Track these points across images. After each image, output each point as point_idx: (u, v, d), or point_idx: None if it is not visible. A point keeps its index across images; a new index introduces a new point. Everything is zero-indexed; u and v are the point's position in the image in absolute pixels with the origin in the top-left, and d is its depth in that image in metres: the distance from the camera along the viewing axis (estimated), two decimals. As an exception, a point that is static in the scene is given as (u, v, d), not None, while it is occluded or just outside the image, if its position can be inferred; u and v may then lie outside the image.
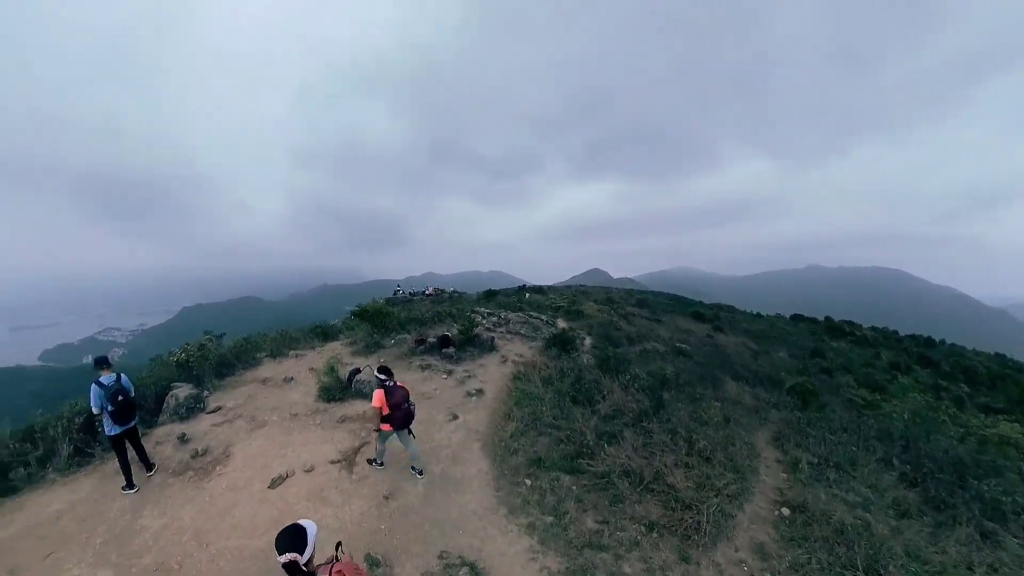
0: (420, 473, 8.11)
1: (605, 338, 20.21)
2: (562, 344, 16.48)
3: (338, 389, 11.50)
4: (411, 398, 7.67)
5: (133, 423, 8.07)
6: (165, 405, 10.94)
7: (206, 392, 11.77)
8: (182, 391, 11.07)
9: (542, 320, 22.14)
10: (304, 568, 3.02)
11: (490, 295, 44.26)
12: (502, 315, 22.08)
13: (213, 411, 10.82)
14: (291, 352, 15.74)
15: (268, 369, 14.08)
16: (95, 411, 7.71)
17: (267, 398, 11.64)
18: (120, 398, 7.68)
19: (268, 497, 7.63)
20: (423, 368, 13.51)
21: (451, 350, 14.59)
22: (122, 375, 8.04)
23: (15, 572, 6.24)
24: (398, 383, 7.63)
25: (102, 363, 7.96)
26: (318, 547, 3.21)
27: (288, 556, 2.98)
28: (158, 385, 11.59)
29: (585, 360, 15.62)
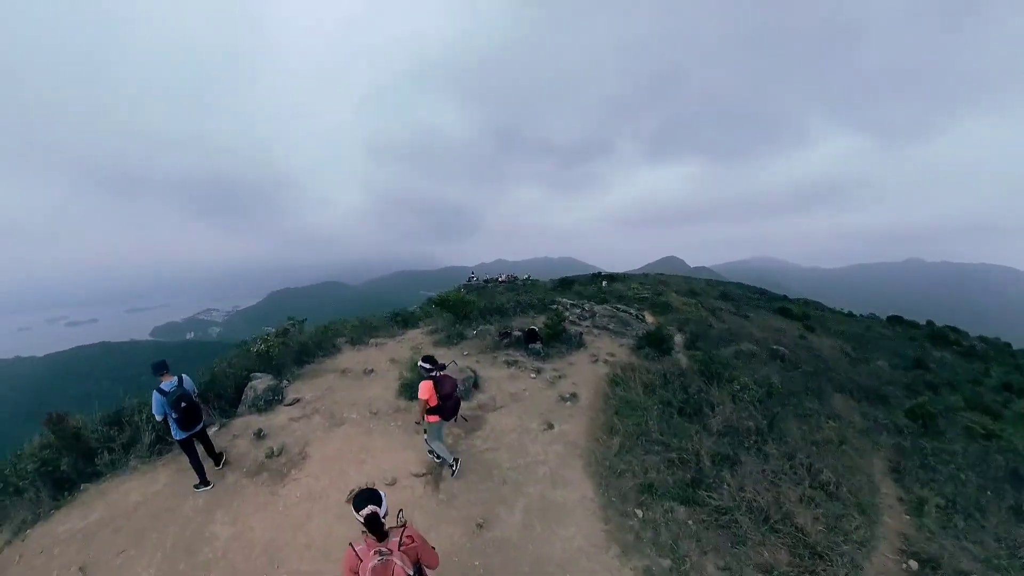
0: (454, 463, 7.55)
1: (699, 337, 18.15)
2: (657, 343, 14.76)
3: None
4: (459, 388, 7.37)
5: (200, 427, 7.44)
6: (244, 396, 10.42)
7: (285, 382, 11.17)
8: (260, 382, 10.49)
9: (630, 314, 20.36)
10: (381, 525, 3.20)
11: (566, 283, 42.73)
12: (586, 306, 20.53)
13: (291, 403, 10.16)
14: (371, 340, 15.05)
15: (348, 358, 13.41)
16: (158, 418, 7.14)
17: (346, 391, 10.86)
18: (183, 404, 7.02)
19: (345, 512, 6.67)
20: (509, 364, 12.29)
21: (538, 345, 13.29)
22: (184, 377, 7.38)
23: (87, 568, 5.87)
24: (445, 374, 7.14)
25: (161, 369, 7.26)
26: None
27: (369, 508, 3.19)
28: (239, 376, 11.14)
29: (684, 362, 13.85)
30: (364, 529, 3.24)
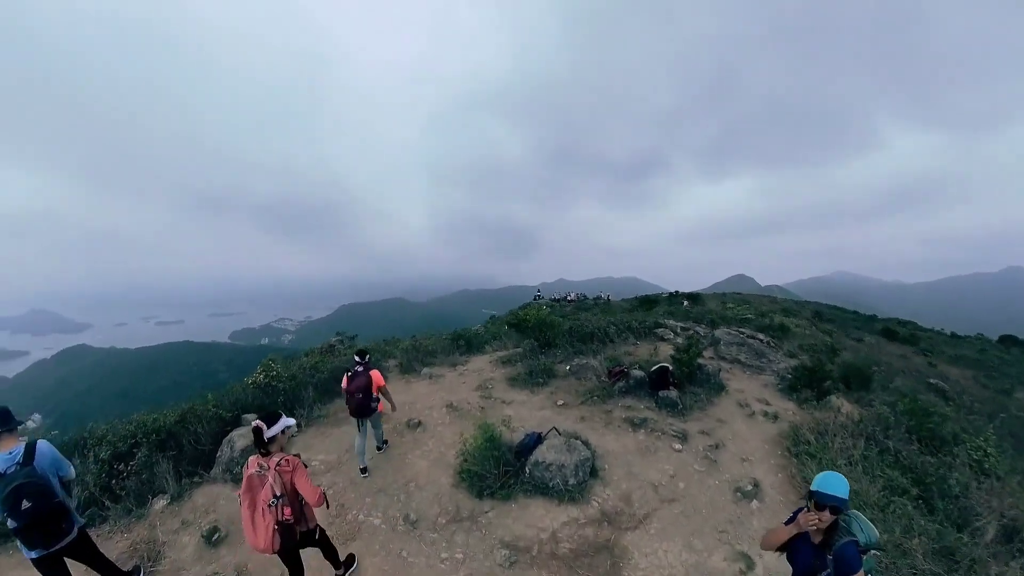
0: (378, 448, 7.01)
1: (852, 371, 12.86)
2: (814, 382, 10.07)
3: (498, 472, 6.02)
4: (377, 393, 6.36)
5: (67, 541, 3.79)
6: (219, 454, 6.62)
7: (294, 429, 7.30)
8: (241, 440, 6.61)
9: (760, 340, 15.36)
10: (265, 440, 3.51)
11: (647, 304, 37.59)
12: (701, 331, 15.74)
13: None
14: (425, 370, 11.06)
15: (393, 393, 9.52)
16: None
17: (377, 462, 6.78)
18: (26, 505, 3.41)
19: None
20: (635, 425, 7.77)
21: (672, 393, 8.72)
22: (39, 445, 3.70)
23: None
24: (370, 371, 6.39)
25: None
26: None
27: (256, 422, 3.54)
28: (224, 418, 7.44)
29: (855, 413, 9.05)
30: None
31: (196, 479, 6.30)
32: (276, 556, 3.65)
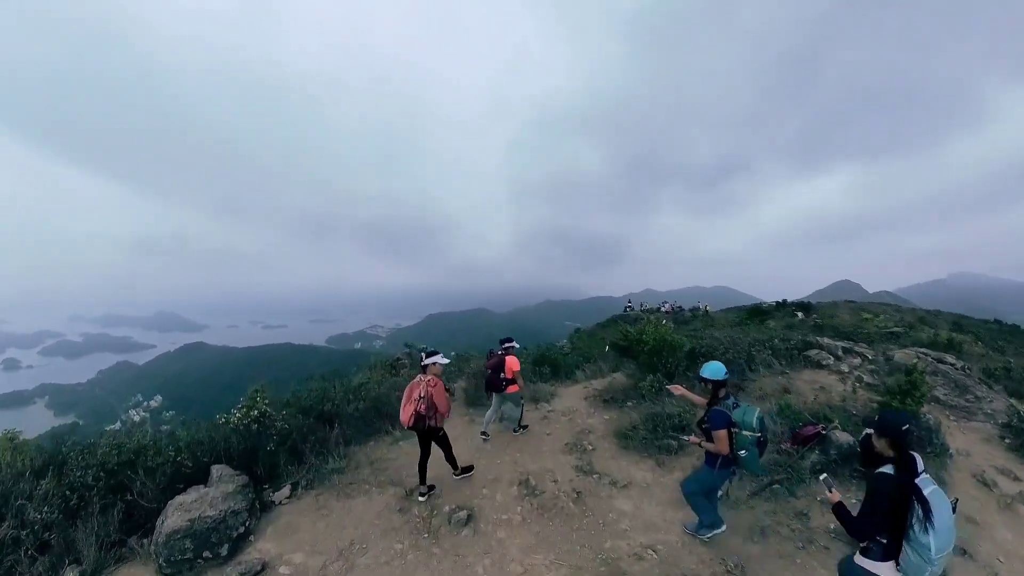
0: (515, 431, 7.40)
1: None
2: None
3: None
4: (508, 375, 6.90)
5: None
6: (156, 528, 4.05)
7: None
8: (177, 516, 3.95)
9: (953, 366, 10.95)
10: (422, 365, 5.51)
11: (757, 315, 32.42)
12: (870, 354, 11.53)
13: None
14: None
15: (451, 441, 6.80)
16: None
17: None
18: None
19: None
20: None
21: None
22: None
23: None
24: (508, 355, 7.12)
25: None
26: None
27: (422, 354, 5.67)
28: (186, 465, 4.97)
29: None
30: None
31: (125, 550, 4.20)
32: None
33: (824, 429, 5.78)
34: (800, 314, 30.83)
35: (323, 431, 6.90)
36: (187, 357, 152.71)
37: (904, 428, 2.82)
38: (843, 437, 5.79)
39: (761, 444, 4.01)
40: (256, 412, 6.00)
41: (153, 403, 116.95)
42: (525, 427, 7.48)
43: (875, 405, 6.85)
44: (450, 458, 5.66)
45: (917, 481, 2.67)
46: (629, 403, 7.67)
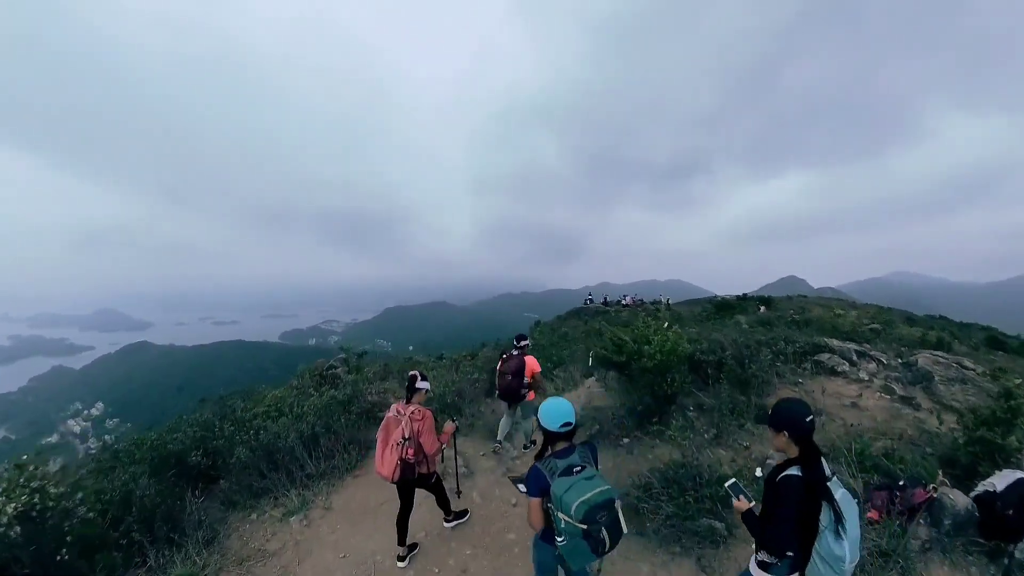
0: (525, 447, 6.53)
1: None
2: None
3: None
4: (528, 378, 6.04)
5: None
6: None
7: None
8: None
9: (977, 374, 9.44)
10: (413, 389, 4.19)
11: (724, 308, 31.37)
12: (884, 358, 9.88)
13: None
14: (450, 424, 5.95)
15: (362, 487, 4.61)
16: None
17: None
18: None
19: None
20: None
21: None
22: None
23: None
24: (526, 355, 6.18)
25: None
26: None
27: (412, 372, 4.27)
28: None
29: None
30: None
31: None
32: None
33: (935, 491, 3.81)
34: (763, 308, 29.89)
35: (184, 499, 4.56)
36: (131, 358, 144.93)
37: (808, 419, 2.39)
38: (959, 499, 3.85)
39: (592, 539, 2.47)
40: (27, 499, 3.56)
41: (94, 411, 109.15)
42: (534, 443, 6.49)
43: (960, 438, 4.95)
44: (443, 502, 4.67)
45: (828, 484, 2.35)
46: (624, 440, 5.56)
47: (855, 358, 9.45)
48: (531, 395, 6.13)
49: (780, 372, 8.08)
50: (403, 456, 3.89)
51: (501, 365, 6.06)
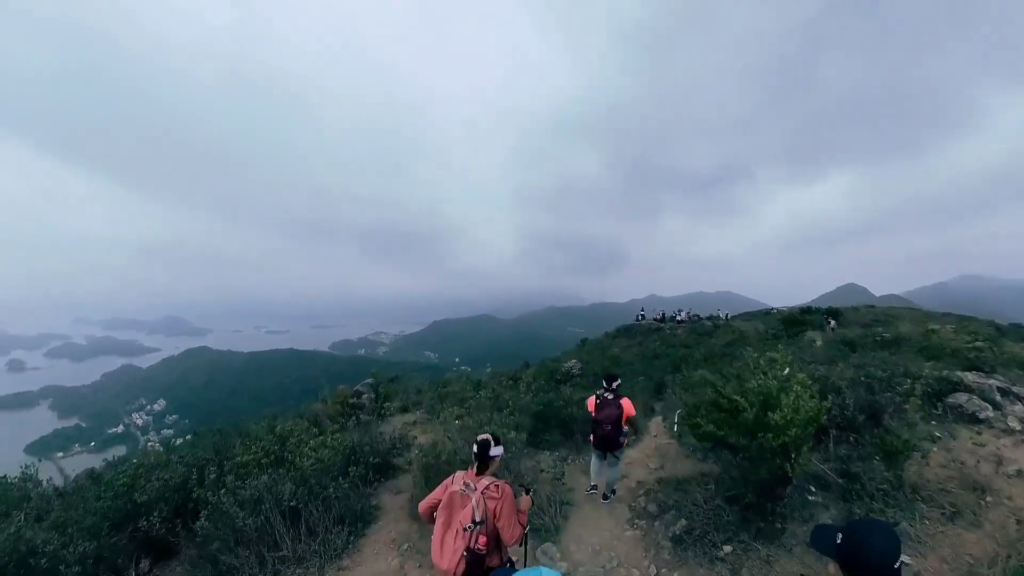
0: (605, 498, 5.78)
1: None
2: None
3: None
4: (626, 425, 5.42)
5: None
6: None
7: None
8: None
9: None
10: (487, 457, 3.11)
11: (792, 324, 28.79)
12: (1015, 390, 7.78)
13: None
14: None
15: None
16: None
17: None
18: None
19: None
20: None
21: None
22: None
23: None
24: (621, 399, 5.44)
25: None
26: None
27: (483, 436, 3.14)
28: None
29: None
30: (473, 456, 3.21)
31: None
32: None
33: None
34: (833, 322, 27.18)
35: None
36: (191, 361, 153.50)
37: (897, 566, 1.60)
38: None
39: None
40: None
41: (156, 407, 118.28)
42: (614, 492, 5.86)
43: None
44: None
45: None
46: (726, 548, 3.92)
47: (998, 398, 7.42)
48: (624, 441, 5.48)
49: (910, 421, 6.23)
50: (472, 545, 2.81)
51: (597, 412, 5.32)
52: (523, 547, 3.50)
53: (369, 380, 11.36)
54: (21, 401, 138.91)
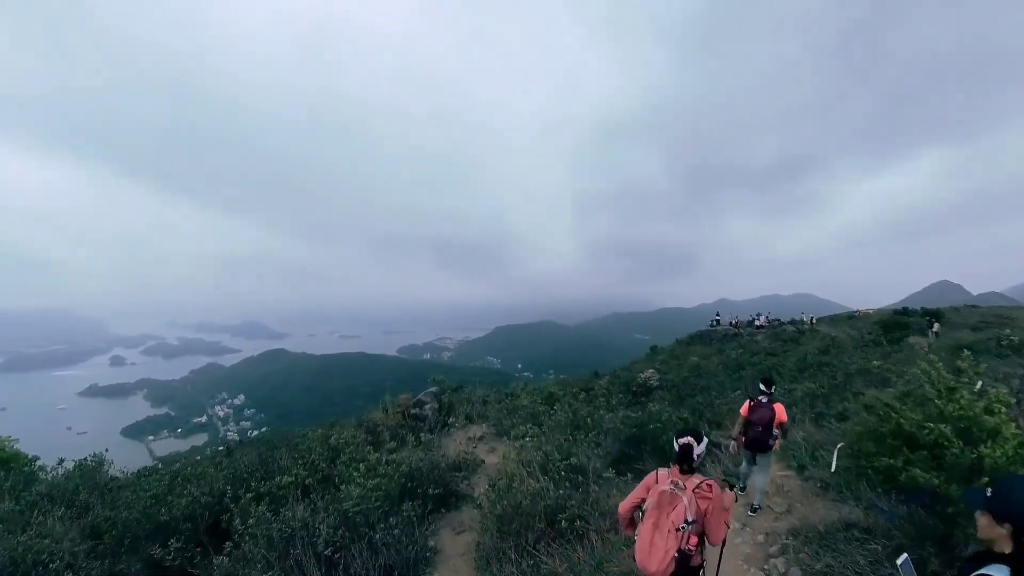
0: (752, 511, 5.66)
1: None
2: None
3: None
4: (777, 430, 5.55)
5: None
6: None
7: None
8: None
9: None
10: (694, 457, 3.07)
11: (891, 328, 25.99)
12: None
13: None
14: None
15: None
16: None
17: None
18: None
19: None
20: None
21: None
22: None
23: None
24: (775, 403, 5.60)
25: None
26: None
27: (687, 439, 3.08)
28: None
29: None
30: (677, 456, 3.16)
31: None
32: None
33: None
34: (936, 325, 24.17)
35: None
36: (269, 362, 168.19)
37: None
38: None
39: None
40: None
41: (236, 401, 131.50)
42: (759, 508, 5.68)
43: None
44: None
45: None
46: None
47: None
48: (776, 443, 5.57)
49: None
50: (683, 546, 2.81)
51: (750, 414, 5.55)
52: (720, 548, 3.25)
53: (432, 388, 10.62)
54: (120, 391, 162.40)
